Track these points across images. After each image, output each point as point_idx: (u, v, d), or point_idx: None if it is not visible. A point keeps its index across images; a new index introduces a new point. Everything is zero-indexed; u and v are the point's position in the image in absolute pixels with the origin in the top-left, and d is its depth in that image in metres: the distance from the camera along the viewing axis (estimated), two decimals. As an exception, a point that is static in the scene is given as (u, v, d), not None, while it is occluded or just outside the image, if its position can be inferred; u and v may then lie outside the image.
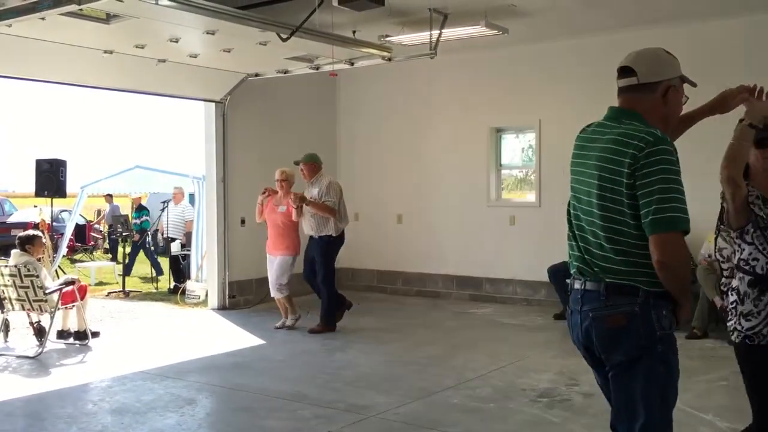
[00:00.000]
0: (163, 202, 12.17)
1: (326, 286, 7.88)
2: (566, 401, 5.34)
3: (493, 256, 9.78)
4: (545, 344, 7.37)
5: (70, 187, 11.13)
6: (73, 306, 7.30)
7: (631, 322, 2.55)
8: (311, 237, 7.94)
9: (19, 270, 6.84)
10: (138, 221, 13.61)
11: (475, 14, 7.33)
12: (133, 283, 12.31)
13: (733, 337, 3.36)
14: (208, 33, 6.70)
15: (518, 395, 5.49)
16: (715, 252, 4.10)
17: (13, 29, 5.99)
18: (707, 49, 8.24)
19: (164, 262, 12.71)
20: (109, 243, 17.28)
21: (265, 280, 9.83)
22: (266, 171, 9.89)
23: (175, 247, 11.74)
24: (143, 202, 14.45)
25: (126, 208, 17.26)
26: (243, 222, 9.63)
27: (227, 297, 9.47)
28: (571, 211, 2.93)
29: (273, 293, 8.13)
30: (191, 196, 12.80)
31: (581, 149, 2.96)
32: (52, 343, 7.26)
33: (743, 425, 4.32)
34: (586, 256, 2.69)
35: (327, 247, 7.88)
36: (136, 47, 7.17)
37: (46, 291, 6.89)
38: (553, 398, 5.41)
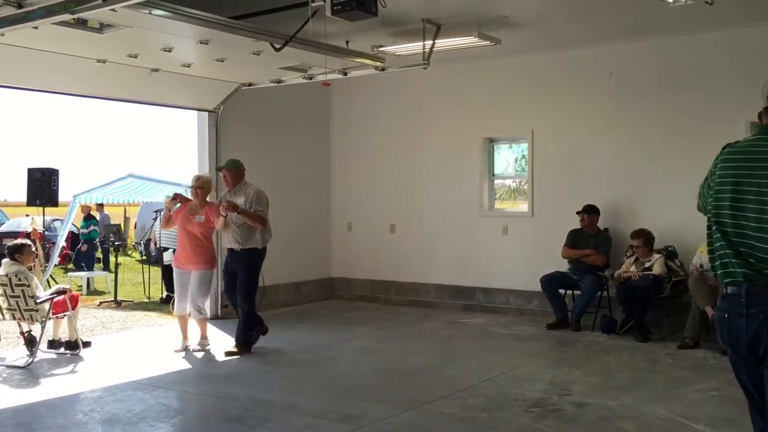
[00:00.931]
0: (156, 212, 12.16)
1: (247, 303, 7.28)
2: (558, 411, 5.33)
3: (486, 265, 9.79)
4: (538, 354, 7.38)
5: (63, 196, 11.11)
6: (65, 315, 7.26)
7: None
8: (232, 250, 7.29)
9: (9, 279, 6.81)
10: (86, 230, 13.57)
11: (468, 25, 7.37)
12: (124, 293, 12.27)
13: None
14: (201, 42, 6.71)
15: (510, 405, 5.48)
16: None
17: (6, 38, 5.98)
18: (697, 61, 8.31)
19: (157, 272, 12.68)
20: (101, 252, 17.25)
21: (259, 289, 9.81)
22: (259, 180, 9.90)
23: (167, 257, 11.69)
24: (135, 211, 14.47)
25: (118, 218, 17.25)
26: (236, 231, 9.60)
27: (220, 307, 9.44)
28: (726, 221, 2.92)
29: (187, 311, 7.42)
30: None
31: (740, 162, 3.05)
32: (43, 352, 7.22)
33: (734, 435, 4.35)
34: (751, 260, 2.77)
35: (253, 260, 7.27)
36: (130, 57, 7.17)
37: (37, 300, 6.86)
38: (545, 408, 5.40)
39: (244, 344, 7.28)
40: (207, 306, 7.60)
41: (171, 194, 7.75)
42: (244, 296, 7.26)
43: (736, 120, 8.03)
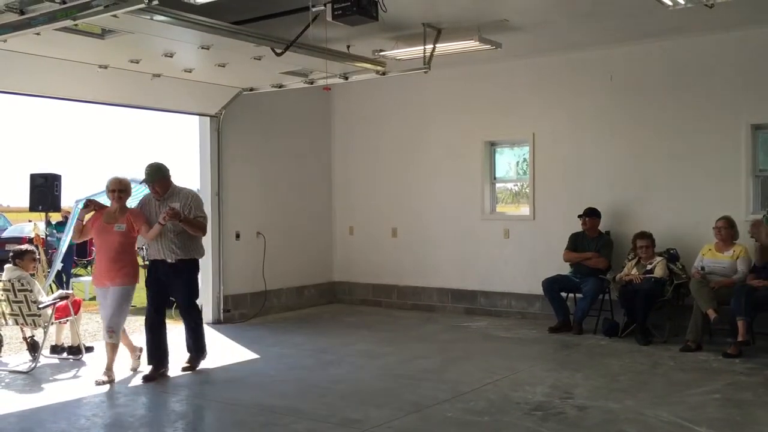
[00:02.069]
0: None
1: (195, 310, 6.80)
2: (560, 414, 5.33)
3: (487, 269, 9.79)
4: (540, 357, 7.37)
5: (65, 201, 11.13)
6: (67, 321, 7.28)
7: None
8: (163, 262, 6.52)
9: (12, 285, 6.82)
10: (50, 237, 13.51)
11: (469, 29, 7.38)
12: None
13: None
14: (202, 48, 6.73)
15: (513, 408, 5.48)
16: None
17: (9, 44, 6.01)
18: (697, 64, 8.32)
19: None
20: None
21: (261, 294, 9.91)
22: (261, 185, 9.96)
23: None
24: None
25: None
26: (238, 236, 9.64)
27: (222, 311, 9.46)
28: None
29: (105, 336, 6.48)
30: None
31: None
32: (46, 358, 7.23)
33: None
34: None
35: (193, 271, 6.71)
36: (131, 62, 7.20)
37: (40, 305, 6.87)
38: (547, 411, 5.40)
39: (200, 352, 6.84)
40: (120, 328, 6.51)
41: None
42: (189, 305, 6.72)
43: (736, 123, 8.05)
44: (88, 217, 6.49)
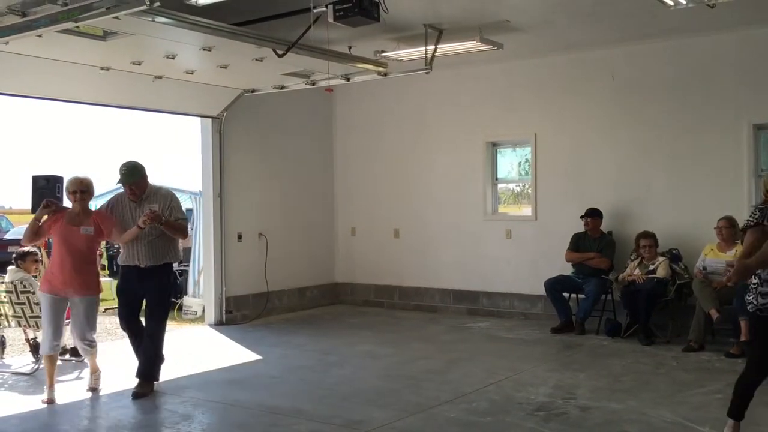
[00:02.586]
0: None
1: (162, 330, 6.14)
2: (563, 415, 5.33)
3: (489, 270, 9.78)
4: (542, 358, 7.37)
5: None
6: (69, 322, 7.27)
7: None
8: (137, 267, 6.00)
9: (15, 286, 6.82)
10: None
11: (470, 30, 7.38)
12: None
13: (749, 308, 4.41)
14: (204, 49, 6.74)
15: (515, 409, 5.48)
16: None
17: (10, 46, 6.02)
18: (699, 63, 8.32)
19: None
20: (106, 259, 17.27)
21: (263, 295, 9.90)
22: (263, 186, 9.96)
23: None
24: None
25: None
26: (240, 237, 9.64)
27: (224, 312, 9.46)
28: None
29: (59, 350, 6.05)
30: (188, 212, 12.78)
31: None
32: (48, 359, 7.23)
33: (739, 438, 4.35)
34: None
35: (168, 277, 6.21)
36: (133, 64, 7.21)
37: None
38: (550, 412, 5.40)
39: (150, 379, 6.08)
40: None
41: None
42: (159, 321, 6.10)
43: (738, 123, 8.04)
44: (45, 218, 5.90)
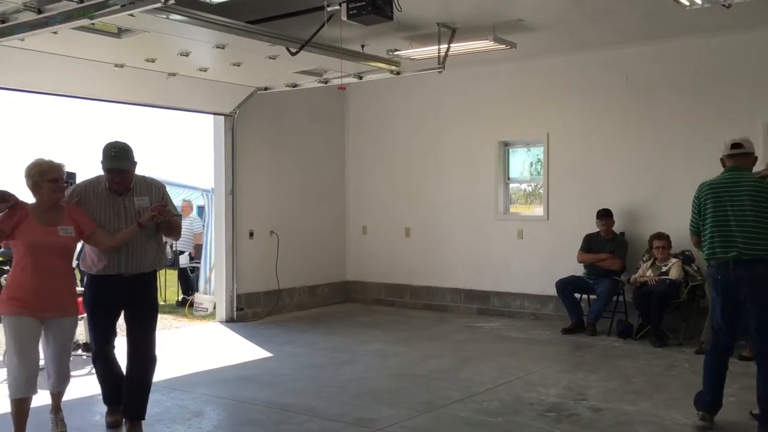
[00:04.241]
0: None
1: (154, 349, 4.93)
2: (574, 416, 5.31)
3: (500, 269, 9.76)
4: (553, 358, 7.34)
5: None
6: (81, 318, 7.30)
7: None
8: (117, 276, 4.76)
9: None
10: None
11: (483, 29, 7.37)
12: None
13: None
14: (218, 47, 6.76)
15: (526, 409, 5.47)
16: None
17: (26, 43, 6.06)
18: (713, 63, 8.26)
19: (173, 275, 12.76)
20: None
21: (274, 293, 9.93)
22: (275, 184, 9.99)
23: (183, 260, 11.78)
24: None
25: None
26: (251, 234, 9.67)
27: (235, 309, 9.49)
28: (721, 222, 5.01)
29: (37, 390, 4.53)
30: (200, 209, 12.83)
31: (725, 188, 5.09)
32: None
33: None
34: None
35: (156, 288, 5.10)
36: (147, 61, 7.24)
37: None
38: (560, 413, 5.38)
39: (143, 416, 4.95)
40: None
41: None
42: (150, 340, 4.90)
43: (753, 122, 7.97)
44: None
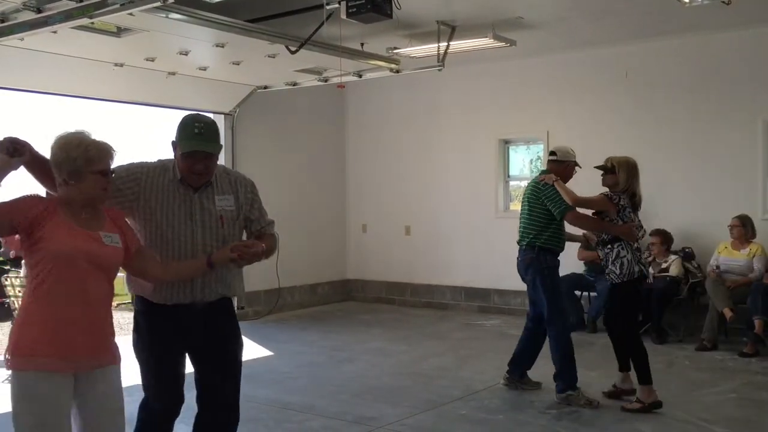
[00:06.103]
0: None
1: (238, 414, 3.67)
2: (575, 413, 5.32)
3: (501, 267, 9.72)
4: (554, 356, 7.33)
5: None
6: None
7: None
8: (183, 307, 3.32)
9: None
10: None
11: (483, 27, 7.37)
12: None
13: None
14: (217, 46, 6.76)
15: (527, 407, 5.48)
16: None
17: (25, 42, 6.06)
18: (714, 61, 8.26)
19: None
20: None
21: (274, 291, 9.91)
22: (275, 182, 9.96)
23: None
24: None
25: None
26: (251, 233, 9.65)
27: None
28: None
29: None
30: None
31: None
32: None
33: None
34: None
35: (236, 318, 3.70)
36: (147, 60, 7.24)
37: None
38: (561, 410, 5.39)
39: None
40: None
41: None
42: (237, 391, 3.64)
43: (753, 120, 7.98)
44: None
